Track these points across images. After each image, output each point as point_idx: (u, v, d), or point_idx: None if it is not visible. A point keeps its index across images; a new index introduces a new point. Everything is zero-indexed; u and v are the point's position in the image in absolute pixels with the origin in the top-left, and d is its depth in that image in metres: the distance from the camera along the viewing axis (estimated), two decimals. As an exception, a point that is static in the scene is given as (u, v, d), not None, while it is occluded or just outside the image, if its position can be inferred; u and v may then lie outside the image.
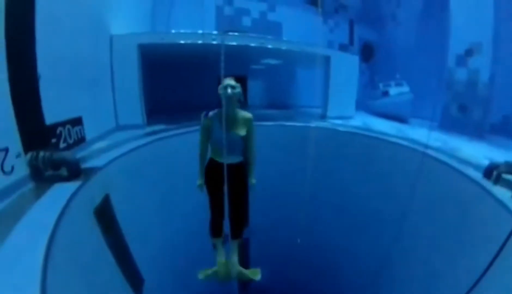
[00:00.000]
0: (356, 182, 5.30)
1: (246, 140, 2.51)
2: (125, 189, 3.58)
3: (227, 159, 2.44)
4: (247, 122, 2.50)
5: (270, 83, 8.81)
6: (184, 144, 3.74)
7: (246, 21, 9.04)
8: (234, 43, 5.57)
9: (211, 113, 2.44)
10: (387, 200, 4.74)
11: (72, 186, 2.68)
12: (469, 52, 8.44)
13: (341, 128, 5.94)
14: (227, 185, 2.53)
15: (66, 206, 2.31)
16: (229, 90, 2.30)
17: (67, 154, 3.12)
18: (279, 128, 5.90)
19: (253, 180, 2.70)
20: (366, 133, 5.59)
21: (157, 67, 7.11)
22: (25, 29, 2.94)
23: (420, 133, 6.28)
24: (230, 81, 2.35)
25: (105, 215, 3.14)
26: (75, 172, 2.95)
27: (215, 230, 2.80)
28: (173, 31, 5.89)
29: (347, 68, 7.06)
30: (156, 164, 4.30)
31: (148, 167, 4.15)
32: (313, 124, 5.92)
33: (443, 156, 4.26)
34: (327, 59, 6.70)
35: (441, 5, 9.46)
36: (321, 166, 4.79)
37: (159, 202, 4.32)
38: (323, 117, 6.92)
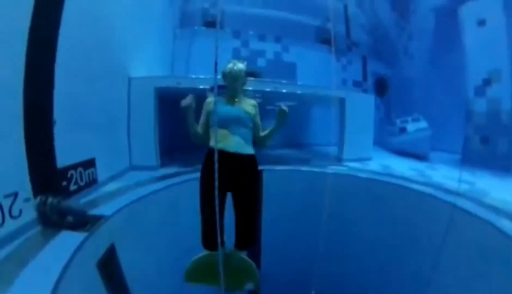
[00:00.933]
0: (378, 233, 4.98)
1: (253, 121, 2.29)
2: (131, 238, 3.48)
3: (232, 145, 2.09)
4: (253, 106, 2.38)
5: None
6: (194, 192, 3.64)
7: (261, 62, 9.32)
8: (250, 88, 5.51)
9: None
10: (412, 252, 4.38)
11: (77, 237, 2.65)
12: (487, 81, 8.15)
13: (360, 174, 5.70)
14: (233, 184, 2.12)
15: (69, 260, 2.28)
16: (235, 68, 2.23)
17: (75, 204, 3.10)
18: (295, 174, 5.72)
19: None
20: (388, 180, 5.33)
21: (173, 108, 7.22)
22: (44, 75, 3.04)
23: (444, 174, 5.99)
24: (237, 61, 2.31)
25: (109, 267, 3.01)
26: (82, 222, 2.89)
27: (211, 240, 2.15)
28: (192, 76, 6.05)
29: (362, 108, 6.99)
30: (164, 212, 4.20)
31: (156, 215, 4.07)
32: (331, 169, 5.74)
33: (473, 204, 3.92)
34: (342, 101, 6.67)
35: (452, 36, 9.47)
36: (340, 215, 4.56)
37: (166, 251, 4.14)
38: (339, 160, 6.74)
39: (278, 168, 5.64)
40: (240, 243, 2.38)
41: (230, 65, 2.26)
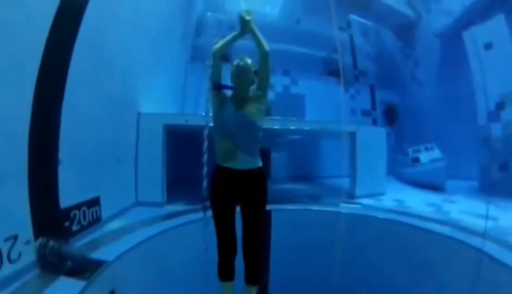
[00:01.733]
0: (395, 279, 4.64)
1: (260, 130, 2.09)
2: (133, 285, 3.26)
3: (239, 162, 2.00)
4: (261, 106, 2.13)
5: (294, 155, 8.77)
6: (199, 234, 3.48)
7: (270, 95, 9.34)
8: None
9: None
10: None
11: (76, 285, 2.54)
12: (500, 105, 8.02)
13: (375, 213, 5.45)
14: (241, 196, 2.06)
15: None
16: (242, 62, 2.07)
17: (76, 250, 2.99)
18: (305, 214, 5.47)
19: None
20: (406, 220, 5.04)
21: (181, 143, 7.29)
22: (51, 116, 3.01)
23: (463, 209, 5.79)
24: (244, 56, 2.13)
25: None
26: (82, 268, 2.76)
27: (224, 270, 2.22)
28: (202, 113, 6.14)
29: (374, 142, 6.87)
30: (169, 256, 4.00)
31: (161, 260, 3.87)
32: (343, 207, 5.52)
33: (501, 248, 3.63)
34: (352, 135, 6.57)
35: (459, 61, 9.41)
36: (353, 258, 4.26)
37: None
38: (351, 196, 6.53)
39: (287, 207, 5.43)
40: (251, 276, 2.25)
41: (236, 61, 2.11)
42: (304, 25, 11.48)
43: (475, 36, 8.82)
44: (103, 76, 4.07)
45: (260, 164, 2.12)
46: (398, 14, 11.15)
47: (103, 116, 4.09)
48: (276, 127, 5.85)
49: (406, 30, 11.63)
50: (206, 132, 3.90)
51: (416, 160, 8.90)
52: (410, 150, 9.28)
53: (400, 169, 9.41)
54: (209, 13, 11.13)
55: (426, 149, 8.97)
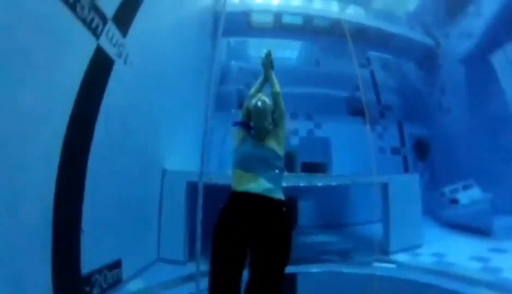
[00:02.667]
0: None
1: (280, 158, 2.06)
2: None
3: (258, 185, 1.81)
4: (280, 135, 2.19)
5: (322, 202, 8.62)
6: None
7: (295, 140, 9.51)
8: (284, 184, 5.46)
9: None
10: None
11: None
12: None
13: (411, 275, 5.10)
14: (254, 234, 1.71)
15: None
16: (259, 103, 2.13)
17: None
18: (336, 278, 5.21)
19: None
20: (447, 285, 4.65)
21: (205, 199, 7.28)
22: (75, 189, 3.14)
23: None
24: (261, 96, 2.23)
25: None
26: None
27: None
28: (228, 172, 6.26)
29: (408, 191, 6.62)
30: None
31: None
32: (376, 267, 5.24)
33: None
34: (384, 186, 6.38)
35: (487, 84, 9.01)
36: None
37: None
38: (385, 252, 6.18)
39: (314, 270, 5.21)
40: None
41: (254, 101, 2.17)
42: (323, 66, 11.72)
43: (503, 57, 8.56)
44: (128, 137, 4.23)
45: (283, 197, 1.93)
46: (417, 45, 11.02)
47: (127, 176, 4.21)
48: (301, 184, 5.83)
49: (427, 59, 11.40)
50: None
51: (455, 202, 8.37)
52: (447, 190, 8.75)
53: (438, 211, 8.88)
54: (232, 62, 11.69)
55: (465, 188, 8.42)
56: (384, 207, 6.46)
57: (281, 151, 2.08)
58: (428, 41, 10.95)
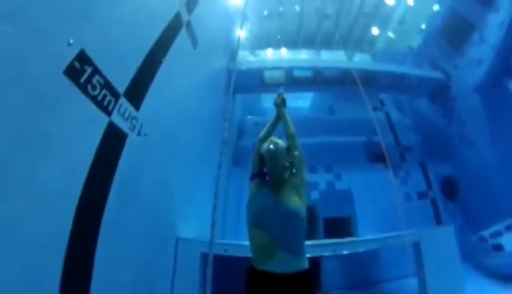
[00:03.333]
0: None
1: (304, 220, 1.81)
2: None
3: (279, 263, 1.65)
4: (300, 186, 1.93)
5: (348, 259, 8.20)
6: None
7: (314, 194, 9.39)
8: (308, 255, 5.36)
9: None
10: None
11: None
12: None
13: None
14: None
15: None
16: (272, 146, 1.94)
17: None
18: None
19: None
20: None
21: (217, 272, 6.97)
22: (83, 268, 3.05)
23: None
24: (274, 139, 2.07)
25: None
26: None
27: None
28: (243, 243, 6.20)
29: (443, 247, 6.20)
30: None
31: None
32: None
33: None
34: (416, 245, 6.08)
35: (507, 110, 8.71)
36: None
37: None
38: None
39: None
40: None
41: (266, 144, 2.00)
42: (338, 113, 11.94)
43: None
44: (140, 208, 4.14)
45: (307, 265, 1.78)
46: (427, 80, 11.06)
47: (139, 249, 4.08)
48: (325, 254, 5.59)
49: (439, 92, 11.32)
50: None
51: (498, 248, 7.70)
52: (487, 234, 8.11)
53: (480, 259, 8.17)
54: (248, 116, 12.15)
55: (508, 229, 7.78)
56: (418, 266, 6.08)
57: (302, 207, 1.87)
58: (437, 75, 10.98)
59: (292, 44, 13.91)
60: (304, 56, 12.69)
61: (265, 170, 2.03)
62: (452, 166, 10.94)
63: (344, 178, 9.65)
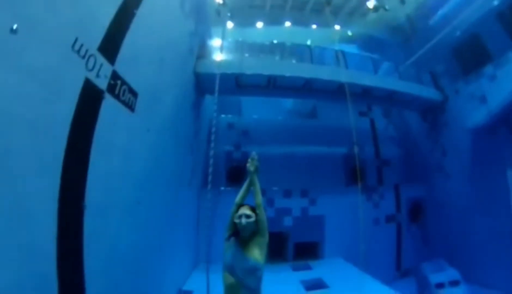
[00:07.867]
0: None
1: (261, 269, 2.38)
2: None
3: None
4: (262, 243, 2.48)
5: None
6: None
7: (288, 221, 9.14)
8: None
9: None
10: None
11: None
12: None
13: None
14: None
15: None
16: (243, 221, 2.41)
17: None
18: None
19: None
20: None
21: None
22: None
23: None
24: (245, 211, 2.47)
25: None
26: None
27: None
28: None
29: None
30: None
31: None
32: None
33: None
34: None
35: (493, 157, 8.68)
36: None
37: None
38: None
39: None
40: None
41: (238, 220, 2.44)
42: (321, 118, 11.07)
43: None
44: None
45: None
46: (423, 99, 10.33)
47: None
48: None
49: (432, 111, 10.77)
50: None
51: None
52: (432, 280, 8.21)
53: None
54: (222, 115, 10.81)
55: (451, 284, 8.00)
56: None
57: (261, 260, 2.40)
58: (435, 95, 10.26)
59: (279, 11, 12.02)
60: (292, 60, 10.83)
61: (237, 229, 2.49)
62: (423, 189, 11.06)
63: (319, 203, 9.42)
